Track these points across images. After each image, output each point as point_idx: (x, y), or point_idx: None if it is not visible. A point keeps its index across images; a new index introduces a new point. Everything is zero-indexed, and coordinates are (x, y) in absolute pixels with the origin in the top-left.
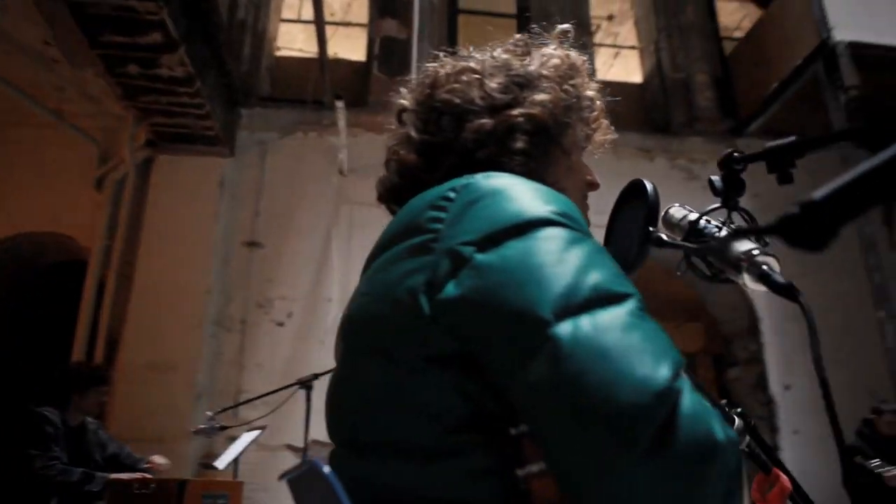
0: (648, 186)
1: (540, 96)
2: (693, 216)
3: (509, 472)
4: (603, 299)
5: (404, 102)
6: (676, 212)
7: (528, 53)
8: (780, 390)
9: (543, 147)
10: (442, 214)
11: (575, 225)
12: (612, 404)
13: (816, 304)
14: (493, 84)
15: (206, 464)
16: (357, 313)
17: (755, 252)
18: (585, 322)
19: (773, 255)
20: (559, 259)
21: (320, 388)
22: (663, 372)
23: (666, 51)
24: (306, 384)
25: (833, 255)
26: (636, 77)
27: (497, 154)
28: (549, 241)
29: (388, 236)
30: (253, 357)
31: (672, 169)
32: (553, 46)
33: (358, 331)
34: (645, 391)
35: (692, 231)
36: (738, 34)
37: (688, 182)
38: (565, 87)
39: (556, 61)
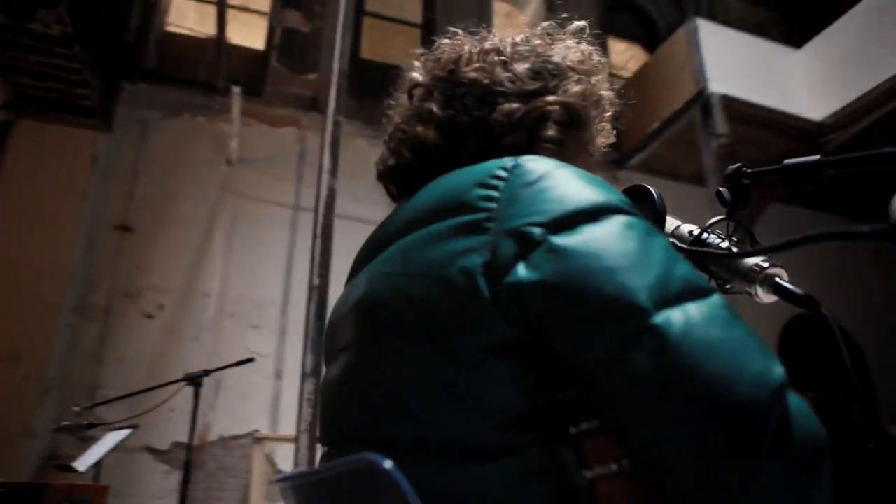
0: (654, 193)
1: (574, 87)
2: (696, 228)
3: (567, 473)
4: (694, 292)
5: (418, 77)
6: (683, 227)
7: (552, 43)
8: None
9: (572, 139)
10: (493, 193)
11: (641, 216)
12: (732, 399)
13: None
14: (521, 69)
15: (63, 465)
16: (386, 295)
17: (765, 264)
18: (687, 313)
19: (780, 267)
20: (646, 248)
21: (209, 385)
22: (777, 368)
23: None
24: (195, 381)
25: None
26: None
27: (526, 140)
28: (630, 229)
29: (418, 214)
30: (114, 350)
31: None
32: (573, 41)
33: (388, 314)
34: (764, 386)
35: (696, 243)
36: (624, 73)
37: None
38: (592, 81)
39: (579, 56)
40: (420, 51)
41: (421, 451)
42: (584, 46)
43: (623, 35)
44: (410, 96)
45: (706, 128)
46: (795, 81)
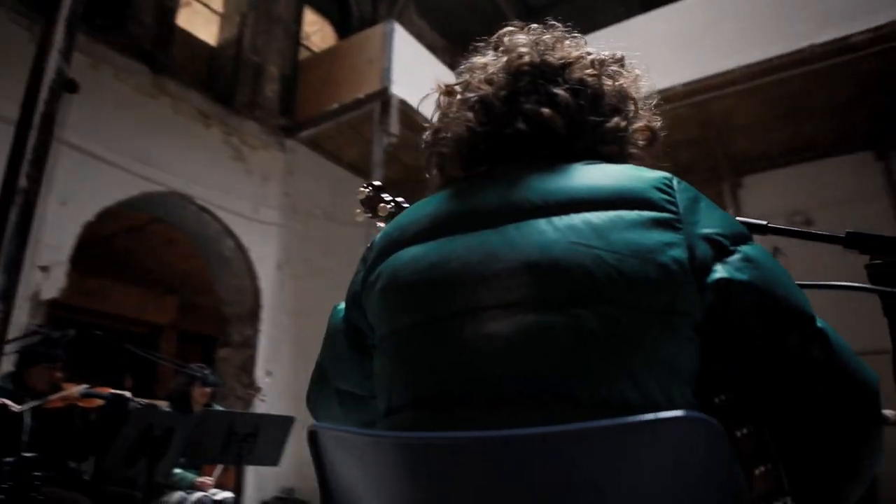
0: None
1: (652, 122)
2: None
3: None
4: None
5: (525, 52)
6: None
7: (627, 73)
8: (263, 375)
9: (645, 156)
10: (671, 199)
11: None
12: (868, 385)
13: None
14: (620, 89)
15: None
16: (586, 264)
17: None
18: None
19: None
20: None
21: None
22: (871, 367)
23: (250, 29)
24: None
25: None
26: (209, 38)
27: (618, 154)
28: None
29: (588, 196)
30: None
31: (224, 143)
32: (638, 71)
33: (590, 283)
34: (875, 380)
35: None
36: (307, 43)
37: (234, 161)
38: (654, 112)
39: (645, 90)
40: (525, 24)
41: (617, 411)
42: (648, 81)
43: (319, 9)
44: (514, 68)
45: (382, 125)
46: None
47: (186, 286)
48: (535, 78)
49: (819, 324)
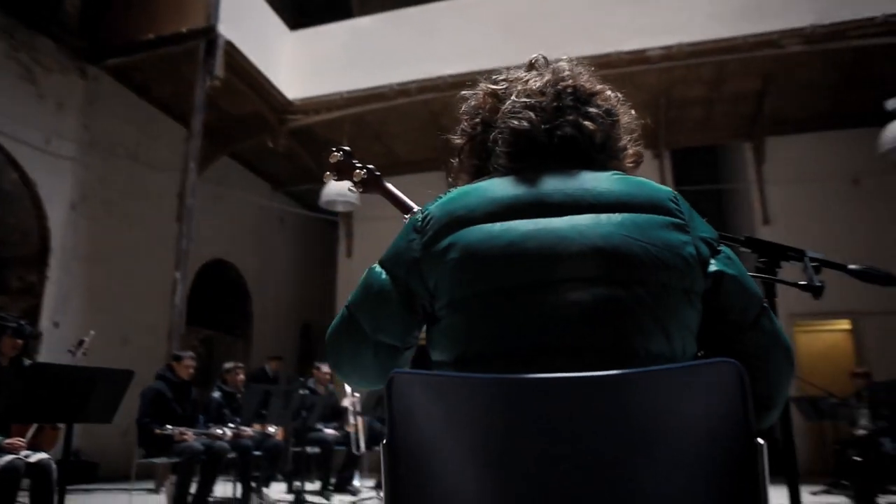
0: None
1: (638, 149)
2: None
3: None
4: None
5: (568, 74)
6: None
7: (622, 106)
8: (50, 326)
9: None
10: (679, 209)
11: None
12: (790, 346)
13: None
14: (623, 118)
15: None
16: (637, 253)
17: None
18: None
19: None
20: None
21: None
22: None
23: None
24: None
25: None
26: None
27: (621, 169)
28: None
29: (629, 201)
30: None
31: (9, 59)
32: (626, 106)
33: (643, 267)
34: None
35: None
36: None
37: (23, 83)
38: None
39: (636, 123)
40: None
41: (656, 359)
42: (634, 115)
43: None
44: (561, 87)
45: (206, 65)
46: (285, 59)
47: None
48: (576, 99)
49: (764, 304)
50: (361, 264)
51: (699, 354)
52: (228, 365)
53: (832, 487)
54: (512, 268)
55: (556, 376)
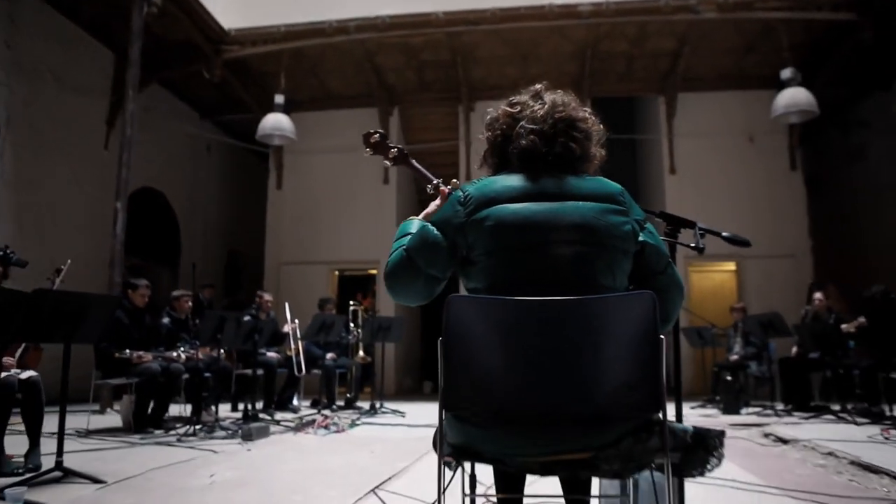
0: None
1: (602, 156)
2: None
3: None
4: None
5: (561, 103)
6: None
7: (593, 121)
8: None
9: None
10: (623, 200)
11: None
12: (683, 287)
13: None
14: (597, 136)
15: None
16: (601, 227)
17: None
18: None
19: None
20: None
21: None
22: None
23: None
24: None
25: None
26: None
27: (591, 169)
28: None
29: (594, 193)
30: None
31: None
32: (597, 123)
33: (605, 237)
34: (683, 285)
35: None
36: None
37: None
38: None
39: (600, 134)
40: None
41: (609, 290)
42: (600, 127)
43: None
44: (555, 116)
45: None
46: None
47: None
48: (566, 124)
49: (669, 259)
50: (291, 195)
51: (630, 288)
52: (177, 293)
53: (707, 402)
54: (525, 232)
55: (548, 299)
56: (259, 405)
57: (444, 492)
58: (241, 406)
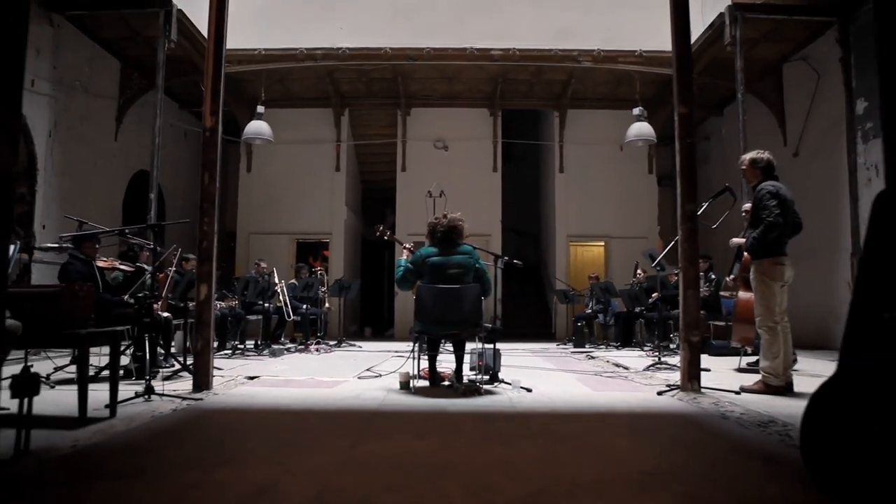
0: None
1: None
2: None
3: None
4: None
5: (457, 225)
6: None
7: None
8: (39, 228)
9: None
10: (472, 256)
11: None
12: (491, 284)
13: None
14: (464, 227)
15: None
16: (463, 266)
17: None
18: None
19: None
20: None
21: None
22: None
23: None
24: None
25: None
26: None
27: (463, 240)
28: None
29: (458, 251)
30: None
31: None
32: (465, 223)
33: (466, 272)
34: (490, 283)
35: None
36: None
37: None
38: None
39: (465, 227)
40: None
41: (467, 284)
42: (466, 226)
43: None
44: (446, 227)
45: (165, 32)
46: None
47: None
48: (453, 227)
49: (488, 275)
50: (258, 179)
51: (474, 283)
52: (187, 255)
53: (567, 342)
54: (439, 269)
55: (448, 286)
56: (250, 345)
57: (413, 353)
58: (247, 342)
